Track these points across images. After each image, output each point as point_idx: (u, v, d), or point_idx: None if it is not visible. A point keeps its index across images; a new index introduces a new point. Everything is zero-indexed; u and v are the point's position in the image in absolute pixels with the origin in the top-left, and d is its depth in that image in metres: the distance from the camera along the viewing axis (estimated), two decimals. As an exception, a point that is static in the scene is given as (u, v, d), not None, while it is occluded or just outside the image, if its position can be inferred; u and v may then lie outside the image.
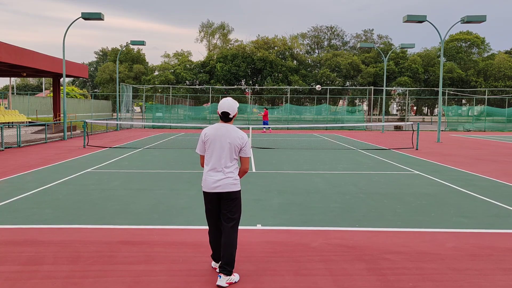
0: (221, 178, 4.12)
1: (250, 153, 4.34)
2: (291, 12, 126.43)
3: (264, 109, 31.99)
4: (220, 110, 4.21)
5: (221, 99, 4.40)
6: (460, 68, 58.91)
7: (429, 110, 68.26)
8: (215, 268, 4.43)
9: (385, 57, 35.75)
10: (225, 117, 4.20)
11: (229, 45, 65.60)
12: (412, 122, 20.14)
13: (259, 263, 4.63)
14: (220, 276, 4.07)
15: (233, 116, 4.23)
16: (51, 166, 11.67)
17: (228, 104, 4.20)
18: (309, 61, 63.71)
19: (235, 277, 4.16)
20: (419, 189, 8.89)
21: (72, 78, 65.68)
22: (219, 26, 69.09)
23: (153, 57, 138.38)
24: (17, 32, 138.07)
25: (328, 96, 42.85)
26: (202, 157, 4.32)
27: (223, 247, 4.12)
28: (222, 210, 4.21)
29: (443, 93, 44.63)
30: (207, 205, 4.26)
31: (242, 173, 4.33)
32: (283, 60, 59.58)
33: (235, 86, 57.68)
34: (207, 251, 4.94)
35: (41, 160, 12.99)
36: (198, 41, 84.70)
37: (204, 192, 4.24)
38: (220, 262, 4.19)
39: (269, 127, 29.52)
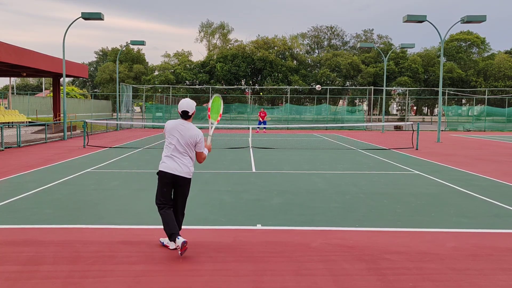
0: (175, 165, 4.80)
1: (204, 148, 4.98)
2: (291, 12, 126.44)
3: (262, 109, 32.08)
4: (180, 109, 4.84)
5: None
6: (460, 68, 58.89)
7: (429, 110, 68.24)
8: (175, 248, 4.80)
9: (385, 57, 35.74)
10: (185, 115, 4.85)
11: (229, 45, 65.59)
12: (412, 122, 20.15)
13: (259, 263, 4.63)
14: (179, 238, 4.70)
15: (192, 114, 4.88)
16: (51, 166, 11.67)
17: (187, 104, 4.83)
18: (309, 61, 63.68)
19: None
20: (419, 189, 8.89)
21: (72, 78, 65.68)
22: (219, 26, 69.07)
23: (153, 57, 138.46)
24: (17, 32, 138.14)
25: (328, 96, 42.85)
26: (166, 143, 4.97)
27: (178, 220, 4.95)
28: (177, 193, 4.92)
29: (443, 93, 44.61)
30: (159, 184, 4.88)
31: (200, 159, 5.01)
32: (283, 60, 59.57)
33: (235, 86, 57.69)
34: (207, 251, 4.94)
35: (41, 160, 12.99)
36: (198, 41, 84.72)
37: (160, 171, 4.86)
38: (175, 234, 4.72)
39: (263, 128, 29.50)
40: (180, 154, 4.82)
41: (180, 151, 4.81)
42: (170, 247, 4.94)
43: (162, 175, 4.85)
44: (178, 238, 4.68)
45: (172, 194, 4.96)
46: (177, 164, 4.81)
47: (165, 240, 5.04)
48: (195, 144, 4.85)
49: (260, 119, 30.16)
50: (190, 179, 4.92)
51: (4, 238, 5.44)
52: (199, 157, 4.98)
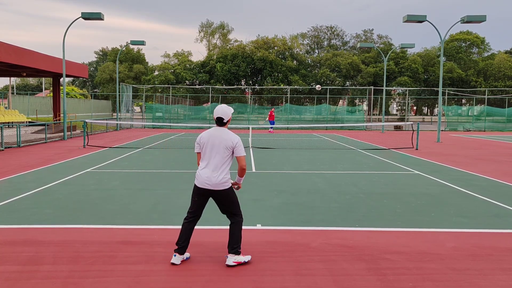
0: (212, 176, 4.49)
1: (243, 152, 4.61)
2: (291, 12, 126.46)
3: (273, 109, 32.17)
4: (215, 116, 4.58)
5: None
6: (460, 68, 58.90)
7: (429, 110, 68.25)
8: (179, 262, 4.58)
9: (385, 57, 35.75)
10: (220, 122, 4.58)
11: (229, 45, 65.60)
12: (412, 122, 20.15)
13: (259, 263, 4.63)
14: (227, 256, 4.58)
15: (227, 121, 4.60)
16: (51, 166, 11.67)
17: (222, 110, 4.56)
18: (309, 61, 63.71)
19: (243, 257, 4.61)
20: (419, 189, 8.89)
21: (72, 78, 65.71)
22: (218, 26, 69.12)
23: (153, 57, 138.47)
24: (17, 32, 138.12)
25: (328, 96, 42.85)
26: (198, 156, 4.71)
27: (231, 234, 4.63)
28: (219, 207, 4.68)
29: (443, 93, 44.63)
30: (195, 197, 4.63)
31: (240, 170, 4.63)
32: (283, 60, 59.58)
33: (235, 86, 57.69)
34: (207, 251, 4.94)
35: (41, 160, 12.99)
36: (198, 41, 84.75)
37: (195, 186, 4.61)
38: (228, 246, 4.59)
39: (271, 127, 29.61)
40: (215, 164, 4.50)
41: (215, 161, 4.50)
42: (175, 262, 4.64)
43: (195, 188, 4.63)
44: (175, 255, 4.57)
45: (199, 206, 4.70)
46: (212, 176, 4.49)
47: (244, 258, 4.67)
48: (233, 148, 4.51)
49: (269, 118, 30.29)
50: (227, 189, 4.57)
51: (4, 238, 5.44)
52: (242, 161, 4.57)
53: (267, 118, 31.43)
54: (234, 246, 4.57)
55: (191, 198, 4.68)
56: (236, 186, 4.75)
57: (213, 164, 4.49)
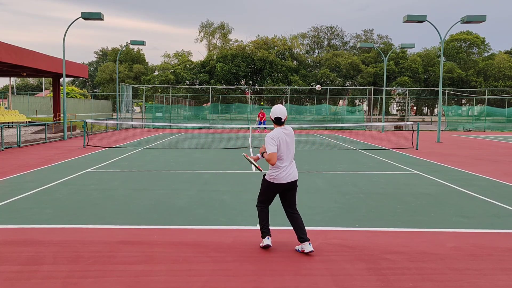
0: (293, 170, 5.01)
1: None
2: (291, 12, 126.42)
3: (262, 110, 32.22)
4: (273, 116, 5.05)
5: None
6: (460, 68, 58.90)
7: (429, 110, 68.24)
8: (267, 246, 5.01)
9: (385, 57, 35.74)
10: (278, 121, 5.04)
11: (229, 45, 65.59)
12: (412, 122, 20.15)
13: (259, 263, 4.63)
14: (310, 244, 4.91)
15: (284, 120, 5.08)
16: (51, 166, 11.67)
17: (280, 110, 5.04)
18: (309, 61, 63.70)
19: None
20: (419, 189, 8.89)
21: (72, 78, 65.70)
22: (218, 26, 69.12)
23: (153, 57, 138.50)
24: (17, 32, 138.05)
25: (328, 96, 42.85)
26: (275, 155, 4.94)
27: (301, 222, 5.00)
28: (288, 197, 5.04)
29: (443, 93, 44.60)
30: (271, 194, 5.04)
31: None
32: (283, 60, 59.57)
33: (235, 86, 57.69)
34: (207, 251, 4.94)
35: (41, 160, 12.99)
36: (198, 41, 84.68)
37: (277, 184, 4.93)
38: (298, 236, 4.94)
39: (264, 127, 29.67)
40: (292, 159, 5.05)
41: (290, 157, 5.02)
42: (263, 244, 5.06)
43: (276, 186, 4.97)
44: (268, 238, 5.03)
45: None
46: (294, 170, 5.06)
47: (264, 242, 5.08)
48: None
49: (259, 119, 30.35)
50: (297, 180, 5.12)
51: (4, 238, 5.44)
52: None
53: (258, 120, 31.61)
54: (305, 232, 4.94)
55: (265, 194, 5.05)
56: (257, 156, 5.28)
57: (291, 159, 5.03)
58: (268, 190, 5.03)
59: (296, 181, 5.03)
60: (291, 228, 5.95)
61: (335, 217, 6.58)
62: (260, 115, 30.79)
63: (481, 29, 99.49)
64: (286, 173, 4.92)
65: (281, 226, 6.06)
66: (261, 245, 5.07)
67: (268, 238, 5.03)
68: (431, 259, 4.79)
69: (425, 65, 58.97)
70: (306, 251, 4.86)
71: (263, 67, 58.29)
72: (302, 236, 4.90)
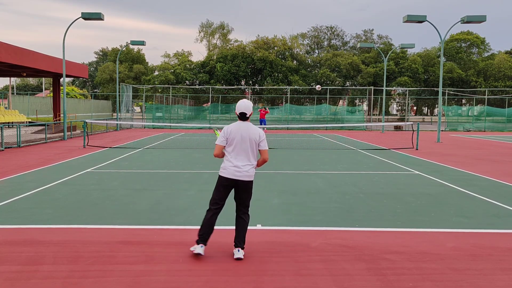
0: (244, 168, 4.74)
1: (267, 146, 4.98)
2: (291, 12, 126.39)
3: (264, 109, 32.16)
4: (238, 111, 4.84)
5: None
6: (460, 68, 58.88)
7: (429, 110, 68.24)
8: (196, 252, 4.73)
9: (385, 57, 35.75)
10: (243, 117, 4.83)
11: (229, 45, 65.58)
12: (412, 122, 20.14)
13: (259, 263, 4.63)
14: (239, 250, 4.74)
15: (249, 115, 4.87)
16: (51, 166, 11.67)
17: (245, 105, 4.85)
18: (309, 61, 63.69)
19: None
20: (419, 189, 8.89)
21: (72, 78, 65.66)
22: (218, 26, 69.08)
23: (153, 57, 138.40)
24: (17, 32, 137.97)
25: (328, 96, 42.85)
26: (220, 148, 4.82)
27: (242, 229, 4.82)
28: (237, 197, 4.84)
29: (443, 93, 44.61)
30: (221, 189, 4.80)
31: (262, 162, 5.00)
32: (283, 60, 59.56)
33: (235, 86, 57.67)
34: (207, 251, 4.93)
35: (41, 160, 12.99)
36: (198, 41, 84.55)
37: (223, 177, 4.76)
38: (235, 239, 4.80)
39: (264, 127, 29.63)
40: (241, 156, 4.77)
41: (241, 153, 4.77)
42: (195, 251, 4.79)
43: (223, 179, 4.79)
44: (201, 246, 4.76)
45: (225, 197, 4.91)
46: (238, 168, 4.74)
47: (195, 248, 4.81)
48: (258, 142, 4.87)
49: (260, 117, 30.29)
50: (251, 181, 4.84)
51: (4, 238, 5.44)
52: (265, 154, 4.98)
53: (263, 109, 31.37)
54: (244, 239, 4.80)
55: (215, 189, 4.85)
56: None
57: (244, 156, 4.77)
58: (218, 184, 4.83)
59: (247, 183, 4.76)
60: (291, 228, 5.97)
61: (335, 217, 6.58)
62: (262, 112, 30.61)
63: (481, 29, 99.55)
64: (234, 168, 4.70)
65: (280, 226, 6.07)
66: (191, 248, 4.82)
67: (201, 246, 4.76)
68: (431, 259, 4.79)
69: (425, 65, 58.96)
70: (234, 256, 4.71)
71: (263, 67, 58.28)
72: (237, 241, 4.78)
